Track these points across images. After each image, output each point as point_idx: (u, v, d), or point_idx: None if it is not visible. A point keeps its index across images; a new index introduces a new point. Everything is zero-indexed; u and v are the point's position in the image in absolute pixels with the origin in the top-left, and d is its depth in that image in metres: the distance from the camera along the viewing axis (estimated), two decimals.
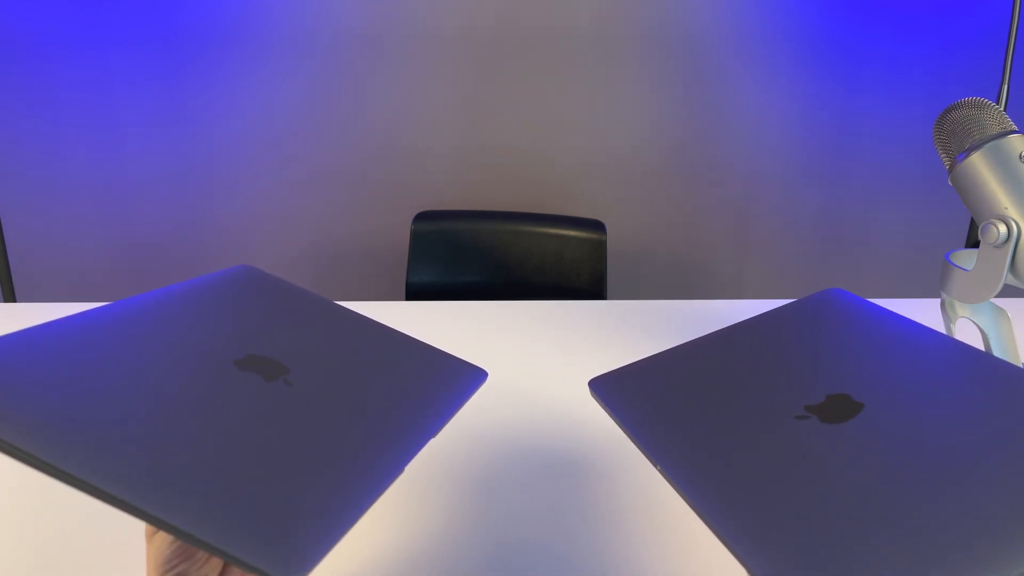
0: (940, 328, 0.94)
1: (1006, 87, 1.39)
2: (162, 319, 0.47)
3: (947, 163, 0.74)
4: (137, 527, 0.56)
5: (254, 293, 0.55)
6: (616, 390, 0.55)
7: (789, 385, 0.50)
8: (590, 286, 1.43)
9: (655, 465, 0.48)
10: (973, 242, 1.75)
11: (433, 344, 0.88)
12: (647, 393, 0.54)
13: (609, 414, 0.54)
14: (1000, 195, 0.68)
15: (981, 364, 0.48)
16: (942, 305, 0.78)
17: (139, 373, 0.41)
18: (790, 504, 0.39)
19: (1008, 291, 2.15)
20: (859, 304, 0.58)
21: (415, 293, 1.45)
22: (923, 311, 1.00)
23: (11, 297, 1.61)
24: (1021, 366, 0.79)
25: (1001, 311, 0.79)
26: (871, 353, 0.51)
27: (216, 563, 0.41)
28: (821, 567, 0.36)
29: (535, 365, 0.83)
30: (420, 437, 0.44)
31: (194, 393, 0.41)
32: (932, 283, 2.14)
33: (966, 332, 0.93)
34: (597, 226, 1.43)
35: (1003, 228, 0.67)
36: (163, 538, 0.38)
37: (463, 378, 0.54)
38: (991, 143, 0.69)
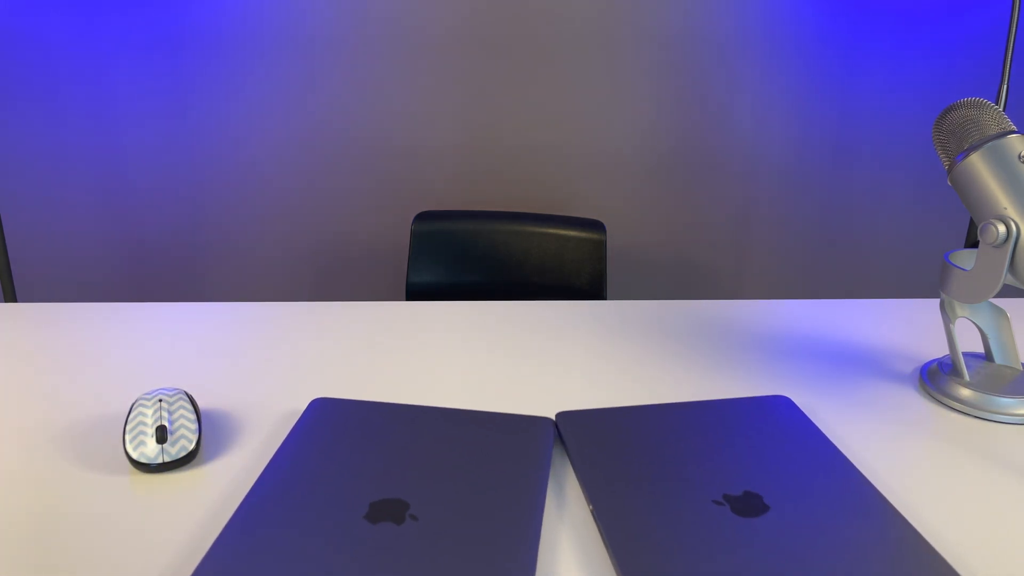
0: (940, 329, 0.94)
1: (1005, 87, 1.39)
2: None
3: (946, 163, 0.74)
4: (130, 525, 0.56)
5: (341, 428, 0.66)
6: (577, 430, 0.66)
7: (716, 472, 0.60)
8: (590, 286, 1.43)
9: (588, 504, 0.58)
10: (973, 242, 1.75)
11: (435, 345, 0.88)
12: (603, 442, 0.64)
13: (564, 447, 0.64)
14: (999, 195, 0.68)
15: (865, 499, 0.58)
16: (942, 305, 0.78)
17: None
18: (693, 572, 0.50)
19: (1008, 291, 2.15)
20: (800, 419, 0.69)
21: (416, 293, 1.45)
22: (923, 311, 1.00)
23: (11, 297, 1.61)
24: (1021, 367, 0.79)
25: (1000, 311, 0.79)
26: (785, 464, 0.62)
27: None
28: None
29: (534, 365, 0.83)
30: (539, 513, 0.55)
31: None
32: (932, 283, 2.14)
33: (966, 332, 0.94)
34: (597, 226, 1.43)
35: (1002, 228, 0.67)
36: None
37: (539, 434, 0.65)
38: (990, 143, 0.69)
